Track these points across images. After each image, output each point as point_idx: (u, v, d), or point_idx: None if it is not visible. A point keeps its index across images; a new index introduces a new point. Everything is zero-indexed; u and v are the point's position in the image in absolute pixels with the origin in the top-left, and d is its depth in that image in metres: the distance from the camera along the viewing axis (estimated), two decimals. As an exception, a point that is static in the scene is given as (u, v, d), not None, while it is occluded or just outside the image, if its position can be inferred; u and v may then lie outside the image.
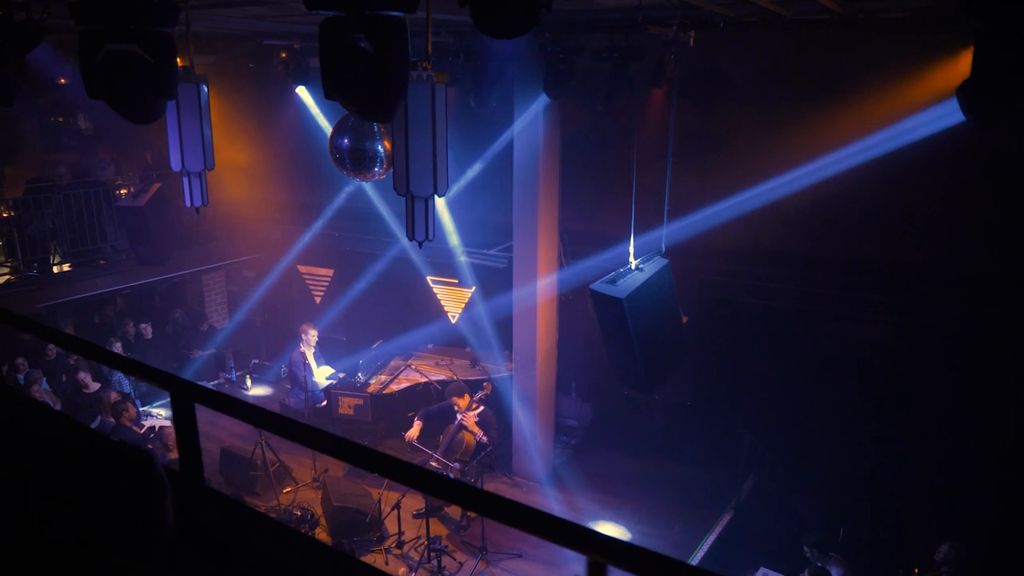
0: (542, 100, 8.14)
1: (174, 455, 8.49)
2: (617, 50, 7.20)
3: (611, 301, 5.47)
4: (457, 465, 8.06)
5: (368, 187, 10.93)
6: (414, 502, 8.67)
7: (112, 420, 9.12)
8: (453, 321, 10.76)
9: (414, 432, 8.51)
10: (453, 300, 10.65)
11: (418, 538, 8.28)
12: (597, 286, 5.61)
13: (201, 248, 11.63)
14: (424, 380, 9.73)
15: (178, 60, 6.46)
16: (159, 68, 4.24)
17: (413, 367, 10.05)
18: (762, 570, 7.73)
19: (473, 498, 1.80)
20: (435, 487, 1.86)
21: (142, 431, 9.72)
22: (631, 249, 5.65)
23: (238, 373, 12.07)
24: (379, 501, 8.20)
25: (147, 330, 11.50)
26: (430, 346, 10.76)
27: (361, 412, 9.37)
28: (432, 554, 7.79)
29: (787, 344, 8.92)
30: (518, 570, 7.97)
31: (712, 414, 9.42)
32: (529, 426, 9.24)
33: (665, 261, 5.77)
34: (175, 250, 9.45)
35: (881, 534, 8.14)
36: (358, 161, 6.39)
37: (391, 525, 8.34)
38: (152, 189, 9.16)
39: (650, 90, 7.50)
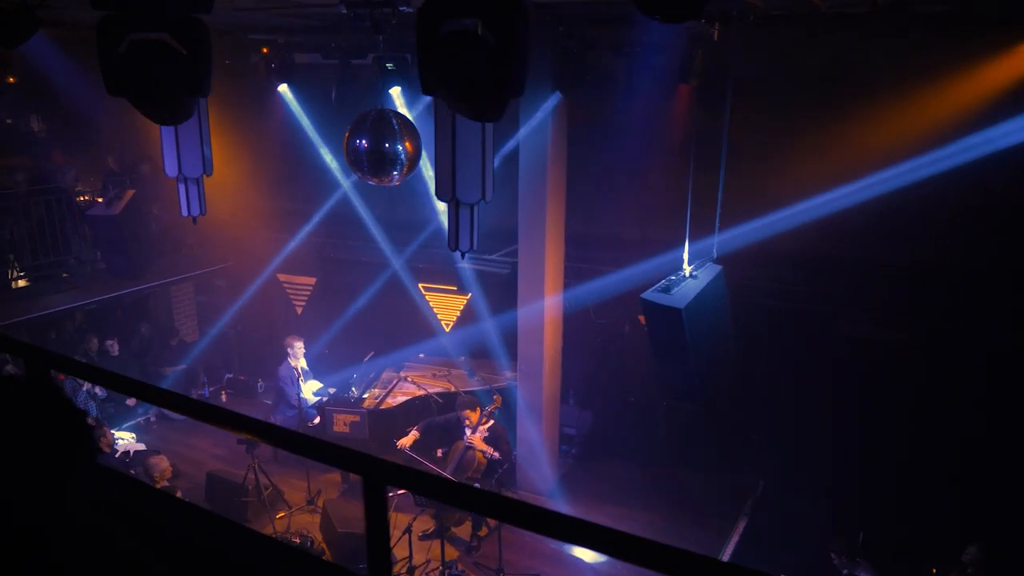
0: (552, 98, 7.77)
1: (159, 485, 7.86)
2: (639, 44, 6.90)
3: (667, 311, 5.16)
4: (477, 486, 7.64)
5: (351, 190, 10.41)
6: (419, 523, 8.21)
7: (87, 447, 8.40)
8: (447, 330, 10.31)
9: (408, 441, 8.05)
10: (447, 308, 10.21)
11: (428, 562, 7.84)
12: (650, 295, 5.29)
13: (169, 258, 10.90)
14: (422, 393, 9.25)
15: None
16: (193, 60, 3.72)
17: (409, 379, 9.57)
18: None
19: (507, 508, 1.71)
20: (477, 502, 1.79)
21: (116, 456, 9.05)
22: (685, 256, 5.34)
23: (212, 389, 11.39)
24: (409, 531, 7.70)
25: (113, 346, 10.74)
26: (422, 356, 10.29)
27: (358, 429, 8.86)
28: (449, 579, 7.36)
29: (800, 346, 8.76)
30: (536, 591, 7.61)
31: (721, 418, 9.21)
32: (535, 437, 8.88)
33: (719, 268, 5.48)
34: (151, 261, 8.78)
35: (901, 537, 8.04)
36: (377, 164, 5.91)
37: (398, 550, 7.86)
38: (126, 196, 8.50)
39: (674, 86, 7.21)
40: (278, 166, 10.71)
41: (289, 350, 9.58)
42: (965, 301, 7.68)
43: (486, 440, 8.01)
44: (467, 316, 10.17)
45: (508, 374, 9.78)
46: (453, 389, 9.35)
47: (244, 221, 11.04)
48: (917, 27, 6.15)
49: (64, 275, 9.81)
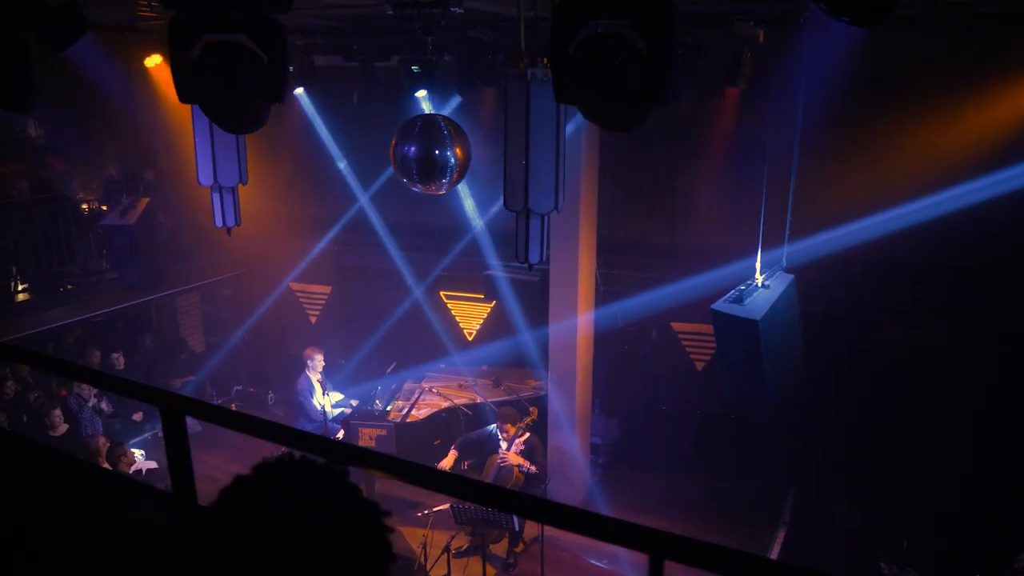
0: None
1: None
2: (682, 46, 6.68)
3: (741, 323, 4.94)
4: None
5: (366, 199, 10.10)
6: (441, 536, 7.95)
7: (108, 466, 8.04)
8: (470, 339, 10.04)
9: (448, 462, 7.80)
10: (470, 316, 9.94)
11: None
12: (722, 306, 5.07)
13: (177, 267, 10.50)
14: (448, 404, 8.98)
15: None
16: (271, 64, 3.43)
17: (435, 391, 9.29)
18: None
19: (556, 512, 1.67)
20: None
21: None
22: (758, 265, 5.13)
23: (220, 401, 11.02)
24: (424, 544, 7.43)
25: (119, 360, 10.31)
26: (442, 365, 10.01)
27: (384, 444, 8.56)
28: (491, 599, 7.10)
29: (833, 349, 8.57)
30: (582, 609, 7.38)
31: (754, 425, 9.02)
32: (567, 448, 8.64)
33: (791, 278, 5.27)
34: (165, 272, 8.42)
35: (942, 542, 7.90)
36: (427, 171, 5.66)
37: (437, 568, 7.58)
38: (140, 205, 8.14)
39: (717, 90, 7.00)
40: (292, 171, 10.36)
41: (308, 362, 9.24)
42: (1008, 304, 7.54)
43: (522, 454, 7.76)
44: (491, 324, 9.92)
45: (533, 383, 9.54)
46: (479, 400, 9.09)
47: (255, 229, 10.66)
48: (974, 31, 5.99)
49: (68, 287, 9.39)
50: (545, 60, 4.35)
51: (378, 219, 10.07)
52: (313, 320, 10.83)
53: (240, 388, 11.31)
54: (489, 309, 9.79)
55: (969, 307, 7.64)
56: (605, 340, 9.16)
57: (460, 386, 9.41)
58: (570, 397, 8.51)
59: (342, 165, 10.00)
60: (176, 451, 2.02)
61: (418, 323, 10.24)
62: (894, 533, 7.93)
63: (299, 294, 10.84)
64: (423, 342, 10.15)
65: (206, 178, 5.78)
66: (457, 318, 10.02)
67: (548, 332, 8.50)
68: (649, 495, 9.12)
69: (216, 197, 5.86)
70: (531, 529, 7.90)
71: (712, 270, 8.21)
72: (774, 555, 8.02)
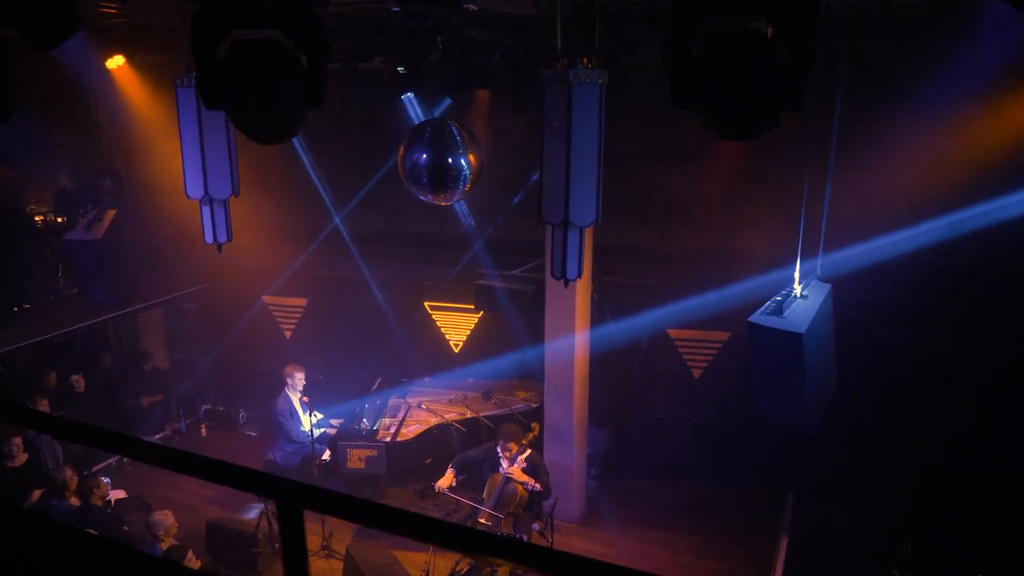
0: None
1: (166, 545, 6.97)
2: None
3: (784, 336, 4.72)
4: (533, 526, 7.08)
5: (343, 204, 9.66)
6: (445, 561, 7.60)
7: (75, 502, 7.44)
8: (456, 351, 9.67)
9: (446, 482, 7.45)
10: (456, 327, 9.56)
11: (464, 605, 7.23)
12: (761, 319, 4.84)
13: (141, 281, 9.86)
14: (439, 420, 8.60)
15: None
16: (310, 64, 3.05)
17: (423, 406, 8.90)
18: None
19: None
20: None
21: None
22: (796, 275, 4.91)
23: (188, 421, 10.43)
24: (427, 571, 7.05)
25: (79, 382, 9.64)
26: (427, 379, 9.62)
27: (374, 464, 8.15)
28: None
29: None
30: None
31: (749, 432, 8.89)
32: (565, 462, 8.36)
33: (827, 287, 5.06)
34: (134, 289, 7.85)
35: (946, 546, 7.87)
36: (439, 179, 5.31)
37: (438, 594, 7.24)
38: (107, 217, 7.54)
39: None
40: (262, 178, 9.80)
41: (289, 380, 8.78)
42: (1010, 307, 7.53)
43: (524, 471, 7.44)
44: (478, 336, 9.56)
45: (523, 395, 9.24)
46: (470, 414, 8.73)
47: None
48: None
49: (25, 306, 8.70)
50: (585, 60, 4.04)
51: (357, 228, 9.63)
52: (288, 335, 10.30)
53: (209, 407, 10.72)
54: (476, 320, 9.44)
55: (976, 310, 7.60)
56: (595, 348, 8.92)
57: (450, 401, 9.04)
58: (568, 410, 8.23)
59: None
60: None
61: (402, 335, 9.83)
62: (895, 538, 7.87)
63: (273, 308, 10.30)
64: (407, 356, 9.75)
65: (195, 190, 5.33)
66: (443, 330, 9.64)
67: (543, 342, 8.20)
68: (648, 505, 8.91)
69: (206, 211, 5.41)
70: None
71: (713, 275, 8.06)
72: (779, 563, 7.89)
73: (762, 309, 4.94)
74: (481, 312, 9.27)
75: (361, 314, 9.88)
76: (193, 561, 6.73)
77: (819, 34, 2.29)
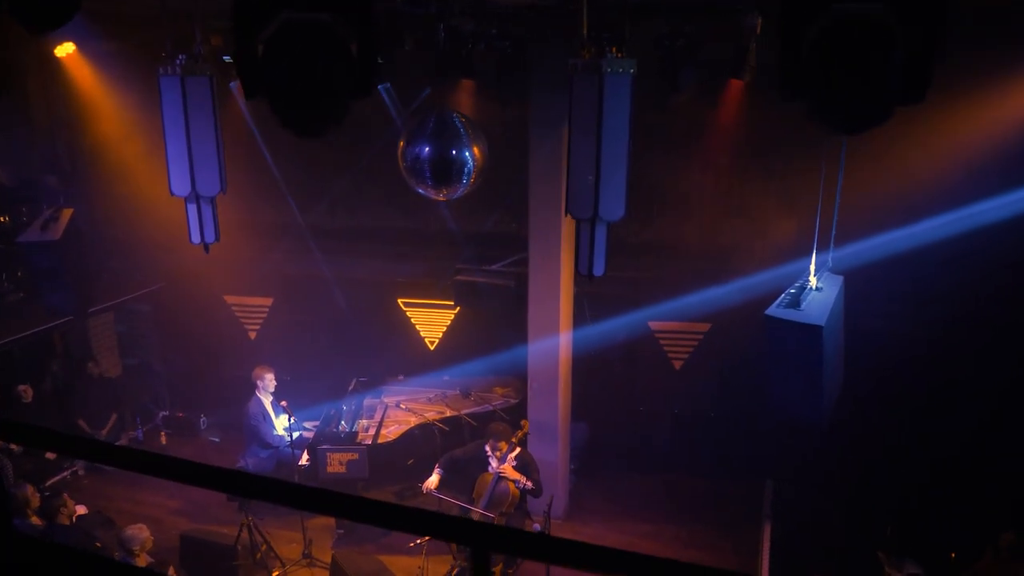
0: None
1: (142, 561, 6.60)
2: (682, 36, 6.38)
3: (803, 329, 4.70)
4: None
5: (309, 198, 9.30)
6: (438, 566, 7.42)
7: (36, 522, 6.97)
8: (431, 348, 9.43)
9: (433, 483, 7.25)
10: (432, 324, 9.33)
11: (459, 609, 7.06)
12: (779, 312, 4.80)
13: (90, 284, 9.31)
14: (420, 420, 8.37)
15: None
16: (359, 51, 2.82)
17: (402, 406, 8.65)
18: (820, 580, 7.43)
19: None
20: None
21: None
22: (812, 267, 4.89)
23: (145, 428, 9.92)
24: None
25: (27, 392, 9.08)
26: (401, 377, 9.37)
27: (356, 468, 7.87)
28: (501, 630, 6.63)
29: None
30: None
31: (726, 421, 8.96)
32: (549, 458, 8.24)
33: (840, 279, 5.06)
34: (94, 294, 7.37)
35: (925, 528, 8.05)
36: (443, 173, 5.12)
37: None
38: (64, 217, 7.04)
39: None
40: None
41: (259, 383, 8.42)
42: (983, 292, 7.69)
43: (515, 469, 7.30)
44: (454, 333, 9.35)
45: (500, 391, 9.09)
46: (450, 413, 8.53)
47: (175, 238, 9.61)
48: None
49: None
50: (614, 48, 3.90)
51: (324, 223, 9.29)
52: (253, 336, 9.88)
53: (167, 414, 10.22)
54: (452, 316, 9.22)
55: (949, 296, 7.72)
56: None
57: (429, 400, 8.81)
58: (553, 406, 8.11)
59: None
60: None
61: (374, 334, 9.54)
62: (876, 522, 8.02)
63: (235, 308, 9.85)
64: (380, 355, 9.46)
65: (181, 187, 4.99)
66: (418, 327, 9.39)
67: (524, 338, 8.06)
68: (631, 498, 8.89)
69: (192, 209, 5.06)
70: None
71: (697, 269, 8.06)
72: (765, 550, 7.96)
73: (778, 302, 4.91)
74: (457, 309, 9.06)
75: (330, 313, 9.54)
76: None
77: (947, 20, 2.21)
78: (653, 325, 8.69)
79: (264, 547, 7.49)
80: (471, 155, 5.07)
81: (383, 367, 9.32)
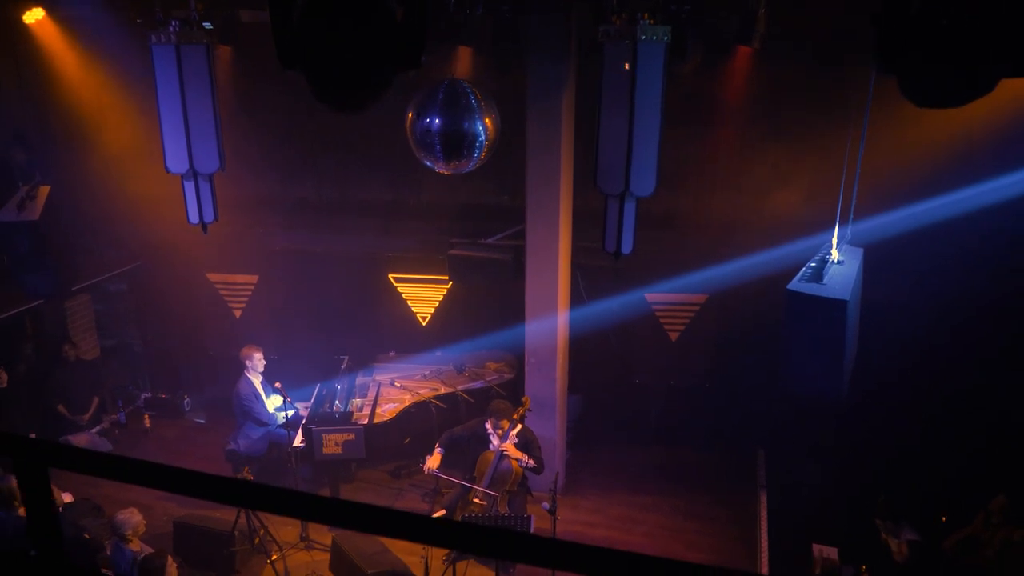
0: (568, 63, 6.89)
1: (135, 546, 6.42)
2: (688, 2, 6.20)
3: (827, 304, 4.62)
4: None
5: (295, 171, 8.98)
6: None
7: (24, 513, 6.69)
8: (423, 324, 9.25)
9: (435, 462, 7.14)
10: (424, 299, 9.13)
11: (464, 589, 6.98)
12: (801, 286, 4.72)
13: (66, 262, 8.93)
14: (415, 398, 8.22)
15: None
16: (406, 19, 2.60)
17: (396, 383, 8.48)
18: (815, 547, 7.50)
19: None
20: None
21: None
22: (834, 240, 4.81)
23: (127, 410, 9.63)
24: (425, 559, 6.73)
25: (1, 377, 8.71)
26: (392, 354, 9.19)
27: (352, 448, 7.72)
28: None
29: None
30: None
31: (717, 391, 8.95)
32: (547, 434, 8.16)
33: (860, 251, 4.99)
34: (76, 275, 7.05)
35: (917, 495, 8.13)
36: (454, 146, 4.91)
37: (434, 580, 6.95)
38: (41, 195, 6.68)
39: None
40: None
41: (248, 363, 8.18)
42: (968, 257, 7.65)
43: (517, 447, 7.22)
44: (446, 308, 9.17)
45: (493, 366, 8.96)
46: (445, 390, 8.39)
47: (152, 213, 9.25)
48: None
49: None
50: (647, 15, 3.72)
51: (311, 197, 9.00)
52: (238, 314, 9.59)
53: (148, 395, 9.93)
54: (444, 291, 9.04)
55: (941, 257, 7.65)
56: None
57: (423, 376, 8.66)
58: (550, 380, 8.03)
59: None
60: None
61: (364, 311, 9.32)
62: (869, 490, 8.08)
63: (219, 286, 9.54)
64: (370, 332, 9.26)
65: (177, 164, 4.74)
66: (409, 302, 9.19)
67: (520, 312, 7.92)
68: (627, 470, 8.90)
69: (190, 187, 4.81)
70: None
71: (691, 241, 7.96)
72: (763, 519, 8.01)
73: (799, 276, 4.83)
74: (450, 283, 8.88)
75: (318, 290, 9.28)
76: (173, 570, 6.20)
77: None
78: (650, 297, 8.61)
79: (262, 531, 7.32)
80: (483, 127, 4.86)
81: (373, 344, 9.13)
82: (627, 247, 4.13)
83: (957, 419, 8.06)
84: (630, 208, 4.01)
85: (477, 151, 4.92)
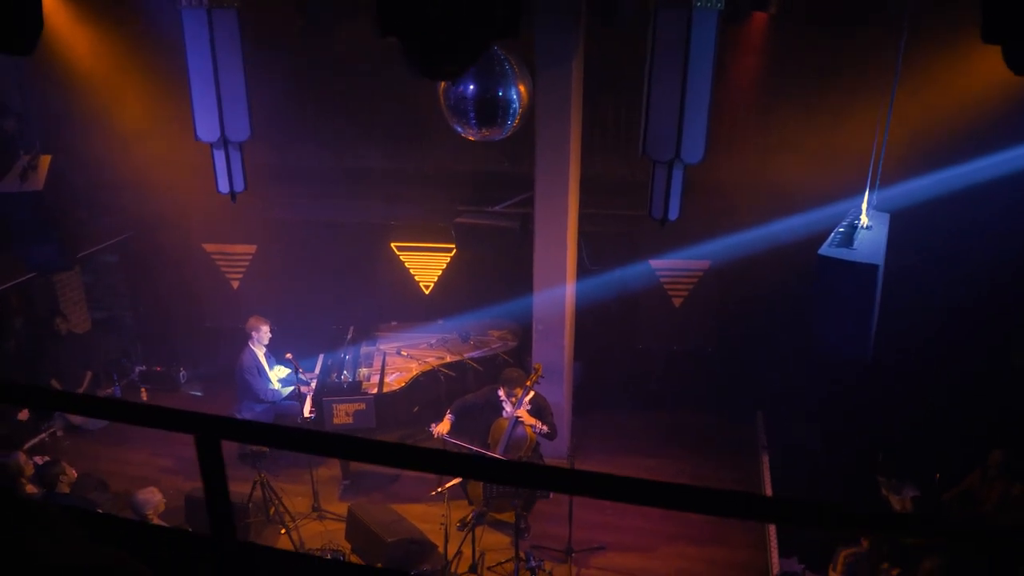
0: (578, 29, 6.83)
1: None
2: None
3: (859, 268, 4.72)
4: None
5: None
6: (456, 511, 7.40)
7: (31, 490, 6.61)
8: (426, 292, 9.22)
9: (444, 427, 7.19)
10: (426, 268, 9.08)
11: (482, 554, 7.06)
12: (833, 251, 4.80)
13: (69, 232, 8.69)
14: (424, 367, 8.22)
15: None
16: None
17: (402, 353, 8.47)
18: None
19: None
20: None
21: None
22: (864, 206, 4.88)
23: (122, 383, 9.49)
24: (444, 526, 6.79)
25: (-7, 352, 8.53)
26: (395, 324, 9.15)
27: (363, 418, 7.71)
28: (528, 573, 6.66)
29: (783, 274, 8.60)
30: (612, 564, 7.16)
31: (729, 359, 9.08)
32: (556, 400, 8.23)
33: (887, 216, 5.08)
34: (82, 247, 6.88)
35: (912, 453, 8.37)
36: (487, 113, 4.89)
37: (452, 544, 7.02)
38: (43, 164, 6.47)
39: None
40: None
41: (253, 334, 8.10)
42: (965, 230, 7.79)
43: (530, 413, 7.29)
44: (450, 276, 9.14)
45: (497, 333, 8.98)
46: (451, 358, 8.40)
47: (146, 181, 9.02)
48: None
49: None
50: (699, -17, 3.71)
51: (311, 165, 8.85)
52: (236, 285, 9.45)
53: (144, 368, 9.78)
54: (447, 260, 9.00)
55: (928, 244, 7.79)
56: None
57: (429, 345, 8.65)
58: (558, 347, 8.08)
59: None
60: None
61: (365, 280, 9.24)
62: (868, 449, 8.30)
63: (216, 256, 9.38)
64: (372, 301, 9.20)
65: (208, 132, 4.62)
66: (412, 271, 9.14)
67: (528, 279, 7.93)
68: (630, 435, 9.00)
69: (220, 156, 4.70)
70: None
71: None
72: (767, 480, 8.21)
73: (829, 241, 4.90)
74: (453, 251, 8.84)
75: (319, 259, 9.18)
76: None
77: None
78: (654, 263, 8.68)
79: (276, 503, 7.31)
80: (517, 94, 4.82)
81: (377, 313, 9.08)
82: (674, 213, 4.16)
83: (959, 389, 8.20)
84: (678, 175, 4.03)
85: (511, 118, 4.89)
